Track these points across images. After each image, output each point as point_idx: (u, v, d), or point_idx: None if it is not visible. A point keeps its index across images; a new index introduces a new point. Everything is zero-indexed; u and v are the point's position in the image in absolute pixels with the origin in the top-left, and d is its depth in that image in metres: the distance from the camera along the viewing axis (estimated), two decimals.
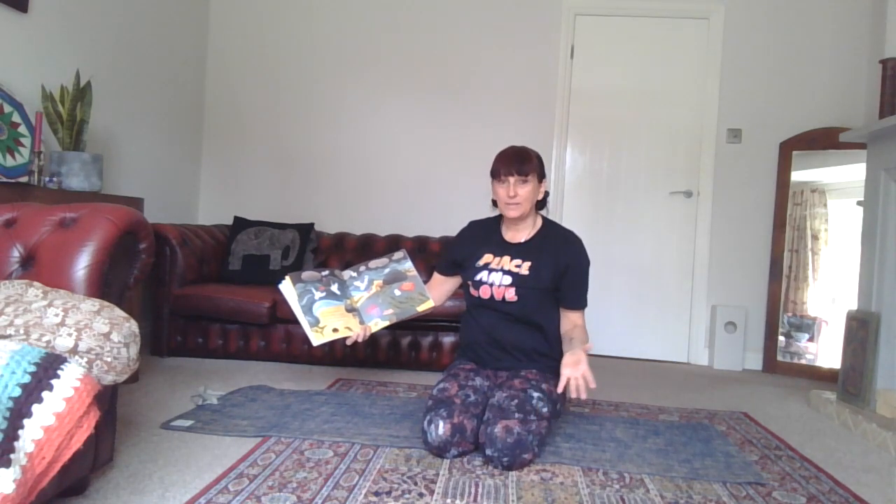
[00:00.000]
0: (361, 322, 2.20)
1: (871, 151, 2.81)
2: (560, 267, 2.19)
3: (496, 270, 2.22)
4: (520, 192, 2.16)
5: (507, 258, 2.24)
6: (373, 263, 2.35)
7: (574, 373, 1.91)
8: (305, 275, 2.23)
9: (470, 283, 2.27)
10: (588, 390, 1.90)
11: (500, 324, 2.22)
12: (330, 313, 2.15)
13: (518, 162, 2.17)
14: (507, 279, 2.19)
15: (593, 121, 3.98)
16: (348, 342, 2.15)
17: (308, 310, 2.14)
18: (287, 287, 2.19)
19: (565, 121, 3.97)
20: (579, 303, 2.25)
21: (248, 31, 4.14)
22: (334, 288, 2.23)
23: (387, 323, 2.22)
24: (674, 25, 3.92)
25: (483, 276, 2.23)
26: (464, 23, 4.01)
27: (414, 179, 4.04)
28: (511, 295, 2.17)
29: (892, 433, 2.26)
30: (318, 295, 2.17)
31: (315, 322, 2.12)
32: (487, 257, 2.27)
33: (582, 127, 3.99)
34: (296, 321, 2.23)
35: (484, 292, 2.22)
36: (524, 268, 2.20)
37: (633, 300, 3.94)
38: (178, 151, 3.94)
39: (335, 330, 2.12)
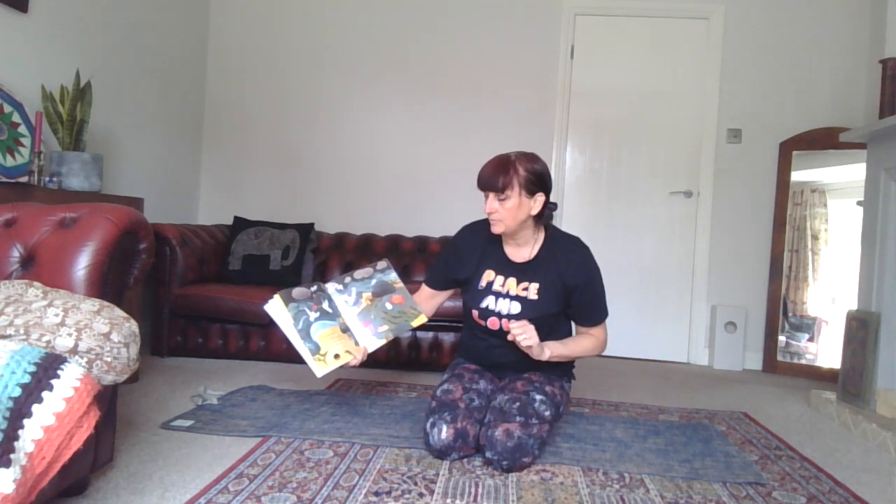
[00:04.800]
0: (356, 343, 2.06)
1: (871, 151, 2.81)
2: (568, 286, 2.05)
3: (503, 296, 2.07)
4: (498, 208, 1.98)
5: (512, 280, 2.07)
6: (357, 274, 2.20)
7: (520, 329, 1.91)
8: (296, 292, 2.02)
9: (476, 311, 2.11)
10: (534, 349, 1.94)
11: (502, 348, 2.10)
12: (328, 336, 1.98)
13: (491, 176, 1.97)
14: (517, 307, 2.05)
15: (593, 121, 3.98)
16: (348, 365, 2.00)
17: (306, 335, 1.95)
18: (278, 308, 1.97)
19: (565, 121, 3.97)
20: (593, 320, 2.11)
21: (248, 30, 4.15)
22: (325, 305, 2.06)
23: (383, 341, 2.10)
24: (674, 25, 3.92)
25: (489, 302, 2.09)
26: (464, 23, 4.01)
27: (414, 179, 4.04)
28: None
29: (892, 433, 2.26)
30: (312, 315, 1.99)
31: (315, 349, 1.94)
32: (489, 274, 2.11)
33: (582, 127, 3.99)
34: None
35: (492, 324, 2.08)
36: (532, 290, 2.05)
37: (633, 300, 3.94)
38: (178, 151, 3.94)
39: (337, 356, 1.96)
